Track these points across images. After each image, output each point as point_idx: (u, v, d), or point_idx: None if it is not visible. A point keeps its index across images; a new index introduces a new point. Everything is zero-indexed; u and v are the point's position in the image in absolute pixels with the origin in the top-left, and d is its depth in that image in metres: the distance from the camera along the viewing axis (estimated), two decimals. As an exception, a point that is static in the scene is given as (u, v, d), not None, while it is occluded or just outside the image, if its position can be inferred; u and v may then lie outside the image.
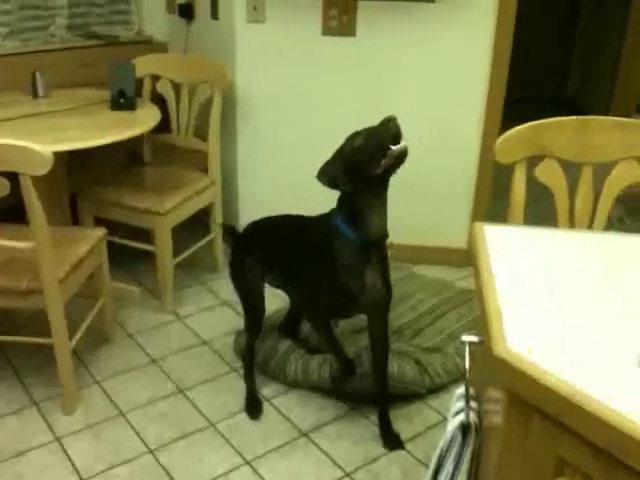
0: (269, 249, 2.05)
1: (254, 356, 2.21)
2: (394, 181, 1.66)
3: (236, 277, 2.14)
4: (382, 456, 1.96)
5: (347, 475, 1.90)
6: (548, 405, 0.78)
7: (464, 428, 1.06)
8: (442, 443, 1.12)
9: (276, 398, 2.19)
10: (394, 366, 2.09)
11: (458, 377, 2.24)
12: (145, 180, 2.81)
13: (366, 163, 1.59)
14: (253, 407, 2.13)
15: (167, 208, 2.50)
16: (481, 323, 1.01)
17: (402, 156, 1.57)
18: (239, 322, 2.46)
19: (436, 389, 2.22)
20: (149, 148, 2.92)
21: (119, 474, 1.88)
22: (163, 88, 2.86)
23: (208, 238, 2.87)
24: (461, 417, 1.06)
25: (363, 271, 1.74)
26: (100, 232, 2.30)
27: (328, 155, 1.71)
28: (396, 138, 1.55)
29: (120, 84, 2.57)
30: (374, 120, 1.62)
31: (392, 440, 2.00)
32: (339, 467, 1.92)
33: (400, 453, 1.97)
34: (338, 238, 1.73)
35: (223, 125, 2.82)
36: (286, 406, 2.16)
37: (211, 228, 2.88)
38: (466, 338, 1.03)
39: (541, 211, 1.83)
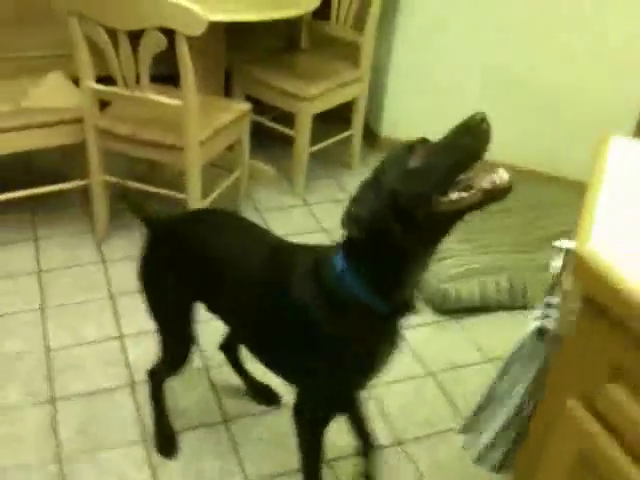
0: (202, 273, 1.41)
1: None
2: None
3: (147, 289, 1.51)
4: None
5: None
6: (616, 307, 0.75)
7: (541, 333, 1.04)
8: (514, 347, 1.10)
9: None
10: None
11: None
12: (296, 65, 2.85)
13: (427, 195, 1.03)
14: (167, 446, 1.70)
15: (312, 94, 2.54)
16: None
17: (501, 195, 1.01)
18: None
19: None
20: (307, 35, 2.94)
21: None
22: (329, -26, 2.82)
23: (347, 133, 2.89)
24: (537, 323, 1.04)
25: (377, 348, 1.24)
26: (246, 106, 2.40)
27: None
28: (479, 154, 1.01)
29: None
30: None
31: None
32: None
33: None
34: (345, 303, 1.17)
35: (383, 18, 2.75)
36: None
37: (351, 125, 2.89)
38: (558, 243, 0.99)
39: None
